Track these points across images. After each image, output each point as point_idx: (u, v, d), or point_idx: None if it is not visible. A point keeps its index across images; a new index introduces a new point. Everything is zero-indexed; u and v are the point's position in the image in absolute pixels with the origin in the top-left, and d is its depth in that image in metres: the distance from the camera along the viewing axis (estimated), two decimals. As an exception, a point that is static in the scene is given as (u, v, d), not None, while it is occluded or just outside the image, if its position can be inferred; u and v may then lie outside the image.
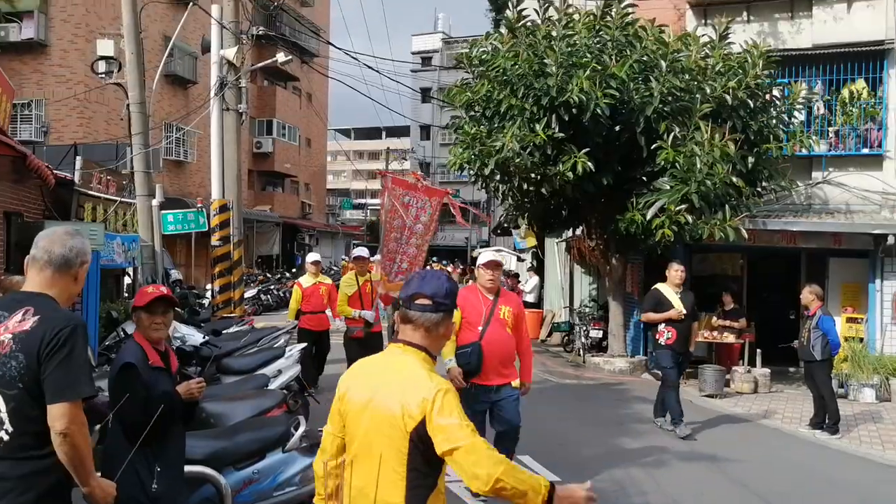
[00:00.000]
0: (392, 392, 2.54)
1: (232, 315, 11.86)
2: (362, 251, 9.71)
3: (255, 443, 4.73)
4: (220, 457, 4.50)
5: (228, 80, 12.51)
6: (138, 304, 3.89)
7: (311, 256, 11.41)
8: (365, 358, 2.84)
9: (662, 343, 8.98)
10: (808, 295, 9.37)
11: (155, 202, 11.90)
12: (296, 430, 4.88)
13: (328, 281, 10.92)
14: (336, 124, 64.65)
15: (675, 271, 9.10)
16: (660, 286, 9.22)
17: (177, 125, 25.23)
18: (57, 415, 2.80)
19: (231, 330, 9.71)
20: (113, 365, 3.83)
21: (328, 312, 10.63)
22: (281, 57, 14.30)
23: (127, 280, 11.69)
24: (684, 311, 8.87)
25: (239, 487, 4.53)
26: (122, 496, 3.37)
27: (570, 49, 11.40)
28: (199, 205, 13.71)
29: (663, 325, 8.92)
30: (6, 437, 2.84)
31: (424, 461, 2.50)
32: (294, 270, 32.70)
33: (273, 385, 6.92)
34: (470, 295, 6.21)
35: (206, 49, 13.42)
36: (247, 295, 17.98)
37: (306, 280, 10.84)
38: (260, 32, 15.97)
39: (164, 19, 25.68)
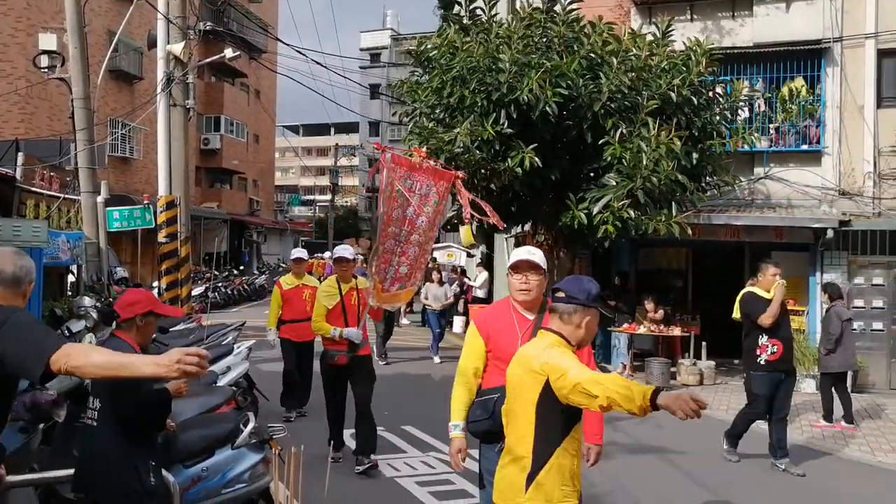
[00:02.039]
0: (528, 365, 3.14)
1: (179, 313, 11.68)
2: (345, 251, 7.37)
3: (204, 440, 4.71)
4: (168, 454, 4.47)
5: (175, 76, 12.34)
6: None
7: (296, 252, 9.89)
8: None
9: (763, 361, 7.48)
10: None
11: (100, 199, 11.69)
12: (245, 426, 4.85)
13: (314, 283, 9.34)
14: (284, 121, 64.20)
15: (773, 276, 7.60)
16: (754, 290, 7.77)
17: (122, 121, 24.78)
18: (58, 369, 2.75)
19: (178, 327, 9.59)
20: None
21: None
22: (229, 52, 14.19)
23: (71, 278, 11.46)
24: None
25: (187, 485, 4.50)
26: (123, 491, 3.62)
27: (526, 48, 11.45)
28: (145, 201, 13.49)
29: (766, 338, 7.49)
30: None
31: (552, 421, 3.05)
32: (242, 268, 32.36)
33: (222, 382, 6.90)
34: (498, 314, 4.21)
35: (152, 44, 13.23)
36: (194, 293, 17.73)
37: (288, 281, 9.40)
38: (207, 28, 15.79)
39: (109, 14, 25.18)
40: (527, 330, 3.97)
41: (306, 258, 9.74)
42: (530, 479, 3.07)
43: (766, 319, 7.41)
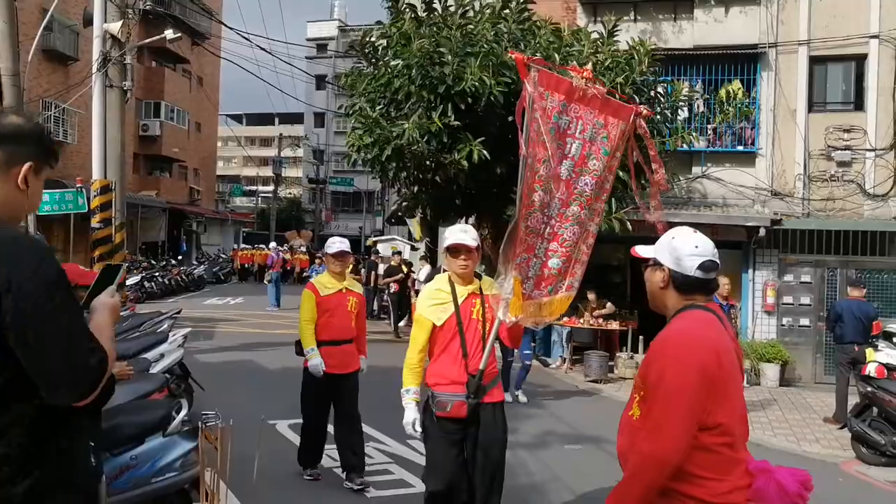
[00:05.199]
0: None
1: (113, 301, 11.40)
2: (464, 235, 4.43)
3: (133, 427, 4.57)
4: (95, 442, 4.35)
5: (112, 56, 12.02)
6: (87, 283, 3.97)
7: (335, 245, 6.29)
8: None
9: None
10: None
11: (30, 181, 11.32)
12: (177, 413, 4.74)
13: (358, 288, 6.50)
14: (228, 110, 63.26)
15: None
16: None
17: (55, 103, 24.07)
18: None
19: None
20: None
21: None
22: (170, 34, 13.90)
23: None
24: None
25: (115, 474, 4.36)
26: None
27: (465, 39, 11.46)
28: (78, 185, 13.12)
29: None
30: None
31: None
32: (180, 258, 31.80)
33: (155, 369, 6.75)
34: None
35: (88, 22, 12.89)
36: (130, 282, 17.37)
37: (326, 283, 6.24)
38: (147, 7, 15.37)
39: (43, -9, 24.40)
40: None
41: (349, 251, 6.44)
42: None
43: None
